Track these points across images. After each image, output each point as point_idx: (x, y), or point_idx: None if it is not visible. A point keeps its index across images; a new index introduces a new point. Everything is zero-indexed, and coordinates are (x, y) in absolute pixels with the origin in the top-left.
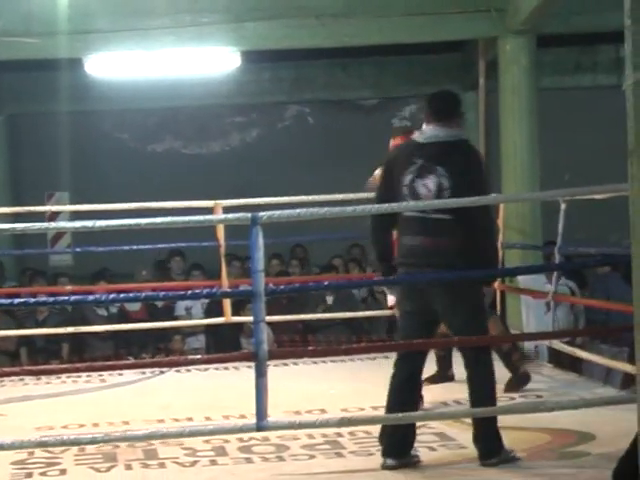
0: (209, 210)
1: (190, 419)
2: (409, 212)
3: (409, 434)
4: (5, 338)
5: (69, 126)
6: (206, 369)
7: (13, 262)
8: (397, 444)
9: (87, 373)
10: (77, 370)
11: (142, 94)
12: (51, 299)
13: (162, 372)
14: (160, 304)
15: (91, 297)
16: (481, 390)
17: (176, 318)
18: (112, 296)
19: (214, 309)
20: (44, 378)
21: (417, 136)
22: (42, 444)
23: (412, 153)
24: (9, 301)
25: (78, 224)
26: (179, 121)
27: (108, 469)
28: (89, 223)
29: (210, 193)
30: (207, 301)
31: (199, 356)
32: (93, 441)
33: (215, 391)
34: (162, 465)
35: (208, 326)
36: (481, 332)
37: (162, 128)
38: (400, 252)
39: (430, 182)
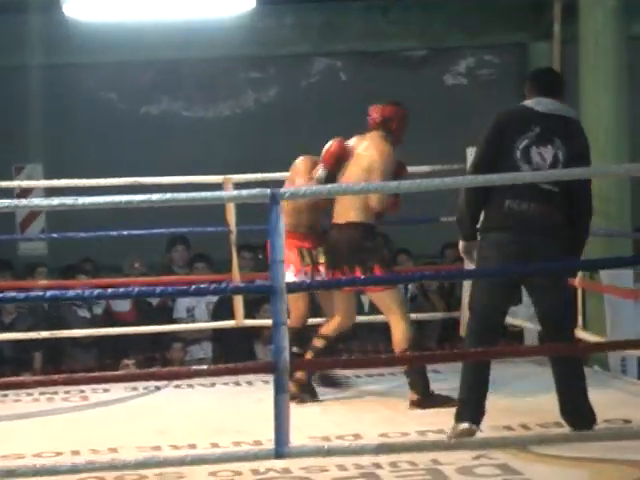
0: (217, 187)
1: (193, 446)
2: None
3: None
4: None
5: (42, 83)
6: (212, 384)
7: None
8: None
9: (65, 388)
10: (53, 384)
11: (134, 43)
12: (21, 295)
13: (158, 388)
14: (156, 303)
15: (71, 293)
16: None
17: (176, 321)
18: (97, 292)
19: (222, 310)
20: (11, 394)
21: (532, 104)
22: (10, 473)
23: (530, 120)
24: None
25: (55, 201)
26: (179, 77)
27: None
28: (69, 200)
29: (218, 166)
30: (213, 301)
31: (204, 367)
32: (73, 470)
33: (223, 411)
34: None
35: (215, 332)
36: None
37: (158, 86)
38: (501, 216)
39: (546, 152)
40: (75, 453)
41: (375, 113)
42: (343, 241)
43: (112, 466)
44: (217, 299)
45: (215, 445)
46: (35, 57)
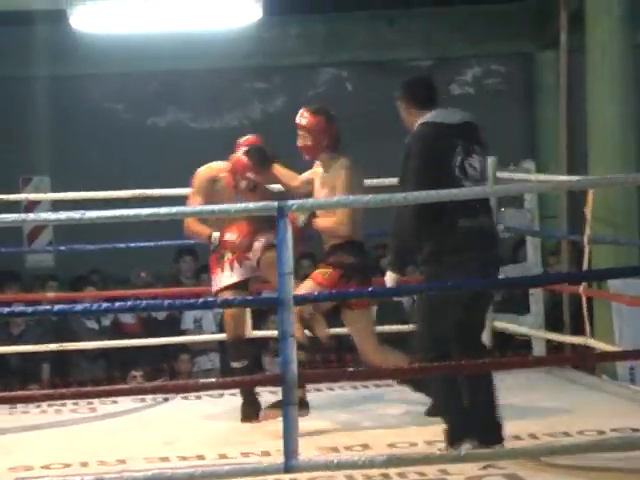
0: None
1: (201, 457)
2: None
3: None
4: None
5: (49, 94)
6: (220, 394)
7: None
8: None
9: (73, 400)
10: (61, 397)
11: (140, 54)
12: (30, 309)
13: (166, 399)
14: (162, 315)
15: (79, 306)
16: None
17: (183, 332)
18: (104, 306)
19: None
20: (20, 406)
21: (442, 118)
22: None
23: (451, 134)
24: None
25: (62, 215)
26: (186, 88)
27: None
28: (76, 214)
29: None
30: (221, 311)
31: (212, 380)
32: None
33: (232, 422)
34: None
35: (222, 343)
36: None
37: (165, 97)
38: (457, 236)
39: (474, 161)
40: (84, 465)
41: None
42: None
43: (121, 478)
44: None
45: (223, 456)
46: (42, 68)
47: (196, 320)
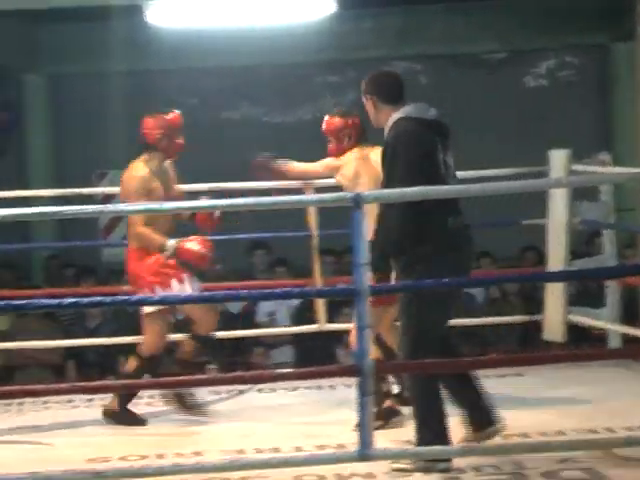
0: (298, 192)
1: (276, 449)
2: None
3: None
4: (49, 349)
5: (124, 89)
6: (295, 388)
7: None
8: None
9: (150, 392)
10: (138, 387)
11: (215, 49)
12: (108, 299)
13: (241, 392)
14: (236, 309)
15: (156, 297)
16: None
17: (257, 326)
18: (183, 296)
19: (303, 315)
20: (97, 399)
21: (419, 113)
22: (98, 476)
23: (431, 130)
24: (57, 302)
25: (141, 207)
26: (259, 82)
27: None
28: (155, 205)
29: None
30: (294, 305)
31: (289, 370)
32: (158, 473)
33: (307, 415)
34: None
35: (296, 336)
36: None
37: (239, 91)
38: (446, 234)
39: (449, 159)
40: (160, 456)
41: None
42: None
43: (197, 469)
44: (298, 303)
45: (299, 449)
46: (118, 63)
47: (270, 314)
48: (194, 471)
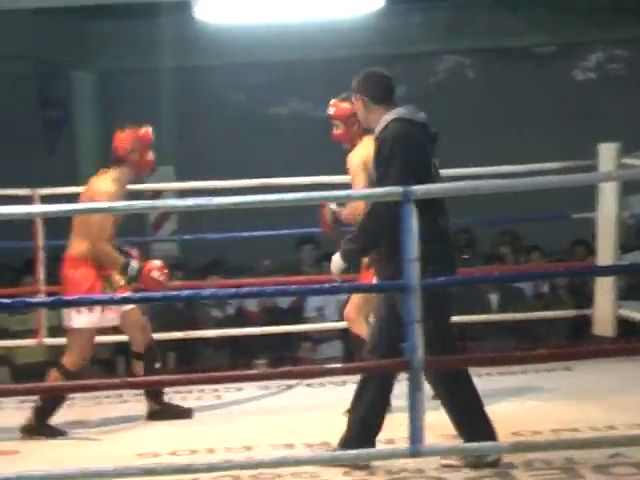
0: (347, 187)
1: (326, 444)
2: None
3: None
4: (100, 344)
5: (173, 85)
6: (343, 382)
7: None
8: None
9: (199, 387)
10: (188, 383)
11: (262, 45)
12: (159, 294)
13: (290, 386)
14: (285, 304)
15: (206, 292)
16: None
17: (305, 321)
18: (231, 291)
19: None
20: None
21: (410, 115)
22: (150, 471)
23: (422, 132)
24: (108, 297)
25: (190, 202)
26: (307, 77)
27: None
28: (204, 200)
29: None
30: (343, 299)
31: (338, 365)
32: (210, 469)
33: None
34: None
35: (345, 331)
36: None
37: (287, 86)
38: (436, 234)
39: (437, 162)
40: (210, 452)
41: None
42: None
43: (247, 464)
44: (346, 298)
45: None
46: (166, 60)
47: (318, 309)
48: (244, 467)
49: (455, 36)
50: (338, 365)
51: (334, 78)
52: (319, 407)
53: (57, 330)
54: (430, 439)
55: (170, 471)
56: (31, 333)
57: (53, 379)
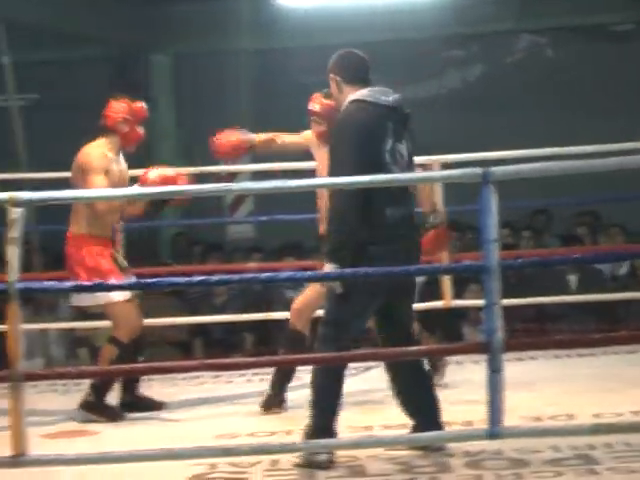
0: (424, 168)
1: (404, 426)
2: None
3: None
4: (176, 326)
5: (249, 68)
6: None
7: (172, 235)
8: None
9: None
10: (266, 365)
11: (339, 26)
12: (236, 277)
13: (368, 369)
14: None
15: (284, 274)
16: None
17: None
18: (308, 274)
19: (428, 291)
20: (224, 376)
21: (374, 97)
22: (228, 452)
23: (383, 116)
24: (185, 280)
25: (266, 184)
26: (383, 58)
27: None
28: (279, 183)
29: (422, 147)
30: (420, 281)
31: (418, 347)
32: (289, 448)
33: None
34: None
35: (421, 313)
36: None
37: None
38: (384, 226)
39: (402, 148)
40: (288, 433)
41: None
42: None
43: (326, 446)
44: (423, 280)
45: None
46: (243, 42)
47: None
48: (323, 448)
49: (531, 14)
50: (416, 348)
51: (411, 59)
52: None
53: None
54: (511, 421)
55: (249, 452)
56: None
57: (107, 353)
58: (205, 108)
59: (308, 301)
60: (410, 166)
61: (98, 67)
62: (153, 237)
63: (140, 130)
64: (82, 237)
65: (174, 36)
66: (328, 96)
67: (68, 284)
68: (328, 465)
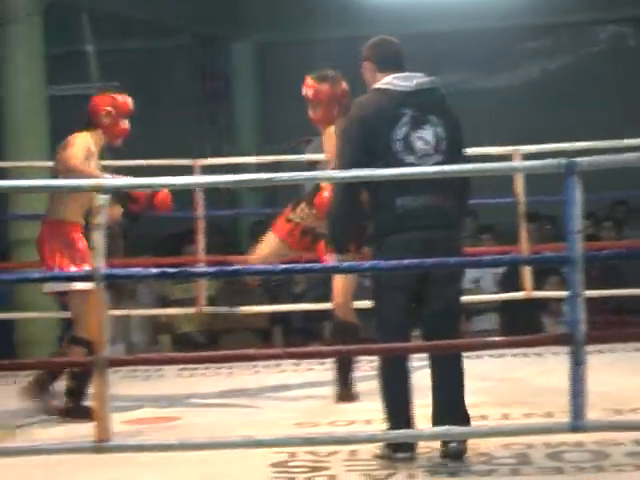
0: (503, 158)
1: (484, 417)
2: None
3: None
4: (255, 314)
5: (330, 56)
6: (501, 355)
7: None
8: None
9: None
10: (347, 353)
11: (417, 16)
12: (318, 266)
13: None
14: None
15: (366, 264)
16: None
17: None
18: (393, 263)
19: (509, 282)
20: (304, 363)
21: (392, 84)
22: (310, 441)
23: (398, 103)
24: (270, 268)
25: (350, 173)
26: (464, 48)
27: (386, 477)
28: (361, 172)
29: (501, 138)
30: (499, 272)
31: (498, 339)
32: (370, 439)
33: (514, 383)
34: (453, 474)
35: (501, 303)
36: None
37: (442, 57)
38: (395, 218)
39: (426, 133)
40: (367, 422)
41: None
42: None
43: (409, 436)
44: (504, 270)
45: (506, 417)
46: (324, 31)
47: (475, 280)
48: (405, 438)
49: (615, 4)
50: (497, 338)
51: (492, 48)
52: (475, 380)
53: (216, 299)
54: (591, 414)
55: (330, 441)
56: (192, 302)
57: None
58: (286, 96)
59: (341, 290)
60: (442, 151)
61: (180, 55)
62: (233, 226)
63: (125, 124)
64: (56, 224)
65: (256, 25)
66: (321, 79)
67: (154, 271)
68: (408, 457)
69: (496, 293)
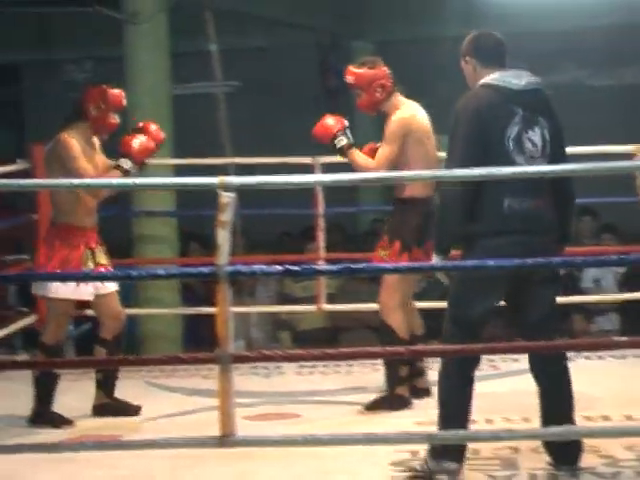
0: (624, 157)
1: (606, 417)
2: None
3: None
4: (374, 311)
5: (451, 55)
6: (623, 356)
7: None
8: None
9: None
10: (460, 352)
11: (541, 13)
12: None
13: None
14: (561, 272)
15: (426, 264)
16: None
17: (581, 292)
18: (470, 263)
19: (631, 281)
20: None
21: (504, 81)
22: (432, 438)
23: (512, 101)
24: (391, 267)
25: (474, 172)
26: (586, 45)
27: (508, 478)
28: (481, 170)
29: (625, 135)
30: (621, 271)
31: (623, 339)
32: (493, 437)
33: (637, 384)
34: (575, 476)
35: (623, 303)
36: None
37: (564, 54)
38: (500, 218)
39: (535, 135)
40: (489, 421)
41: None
42: None
43: (530, 435)
44: (626, 269)
45: (629, 417)
46: (444, 29)
47: (595, 280)
48: (526, 437)
49: None
50: (619, 338)
51: (614, 45)
52: (597, 380)
53: (336, 297)
54: None
55: (456, 439)
56: (312, 299)
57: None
58: (409, 94)
59: (387, 292)
60: (547, 155)
61: (300, 53)
62: (353, 223)
63: (114, 118)
64: (55, 228)
65: (377, 23)
66: (359, 65)
67: (277, 268)
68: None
69: (617, 293)
